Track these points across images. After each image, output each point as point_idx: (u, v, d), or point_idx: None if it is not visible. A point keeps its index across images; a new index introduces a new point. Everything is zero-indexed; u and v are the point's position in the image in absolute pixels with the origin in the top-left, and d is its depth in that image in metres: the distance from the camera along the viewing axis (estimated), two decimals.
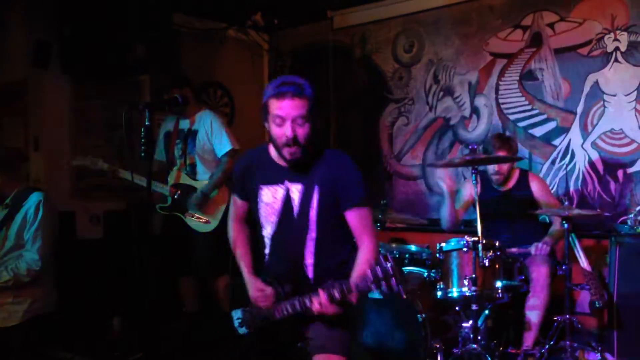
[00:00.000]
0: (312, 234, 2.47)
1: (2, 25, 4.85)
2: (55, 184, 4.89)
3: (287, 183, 2.51)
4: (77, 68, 4.84)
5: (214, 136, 4.35)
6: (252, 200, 2.63)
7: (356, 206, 2.45)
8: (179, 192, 4.36)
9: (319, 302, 2.28)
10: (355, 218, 2.45)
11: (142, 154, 2.55)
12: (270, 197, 2.54)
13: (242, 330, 2.59)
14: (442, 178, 3.80)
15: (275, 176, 2.52)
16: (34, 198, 3.62)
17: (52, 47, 4.76)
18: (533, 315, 3.71)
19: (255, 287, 2.53)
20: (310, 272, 2.49)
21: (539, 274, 3.75)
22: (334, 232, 2.49)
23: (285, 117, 2.37)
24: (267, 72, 6.28)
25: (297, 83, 2.41)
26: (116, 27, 4.79)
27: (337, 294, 2.25)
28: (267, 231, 2.59)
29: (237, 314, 2.62)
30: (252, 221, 2.72)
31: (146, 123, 2.57)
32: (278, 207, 2.52)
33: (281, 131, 2.39)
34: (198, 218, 4.30)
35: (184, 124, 4.46)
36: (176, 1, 5.29)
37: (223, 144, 4.34)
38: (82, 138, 5.10)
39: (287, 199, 2.51)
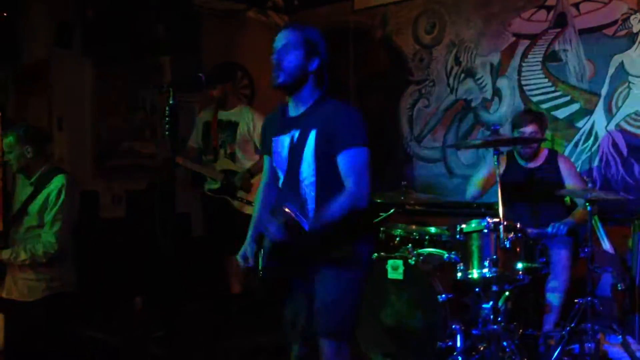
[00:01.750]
0: (312, 179, 2.52)
1: (26, 7, 4.90)
2: (78, 164, 4.98)
3: (292, 131, 2.57)
4: (99, 50, 4.90)
5: (256, 132, 4.51)
6: (271, 154, 2.71)
7: (343, 149, 2.45)
8: (228, 177, 4.53)
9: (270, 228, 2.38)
10: (342, 161, 2.46)
11: (167, 132, 2.57)
12: (280, 146, 2.62)
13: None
14: None
15: (284, 126, 2.61)
16: (58, 181, 3.66)
17: (75, 29, 4.81)
18: (554, 297, 3.70)
19: (241, 252, 2.69)
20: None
21: (560, 256, 3.72)
22: (335, 179, 2.49)
23: (275, 46, 2.54)
24: None
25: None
26: (137, 9, 4.83)
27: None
28: (280, 181, 2.67)
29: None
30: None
31: (170, 102, 2.58)
32: (285, 155, 2.59)
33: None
34: (246, 201, 4.37)
35: (224, 115, 4.62)
36: None
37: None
38: (104, 119, 5.17)
39: (292, 146, 2.56)
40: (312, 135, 2.50)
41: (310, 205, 2.53)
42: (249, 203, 4.34)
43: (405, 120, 5.51)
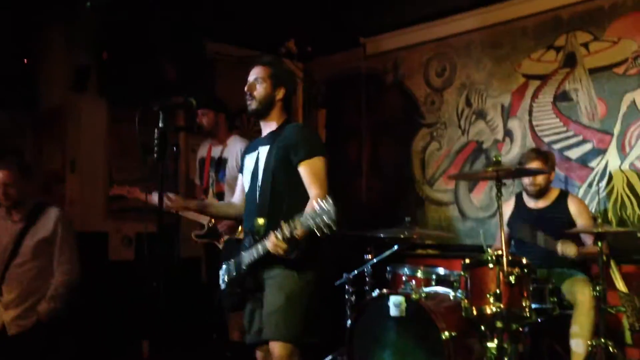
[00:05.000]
0: (269, 186, 2.87)
1: (44, 51, 5.05)
2: (89, 205, 5.00)
3: (259, 148, 3.01)
4: (114, 92, 4.99)
5: None
6: (244, 172, 3.12)
7: (302, 161, 2.83)
8: (213, 220, 4.31)
9: (271, 241, 2.63)
10: (303, 172, 2.84)
11: (155, 155, 2.57)
12: (249, 162, 3.06)
13: (223, 286, 3.02)
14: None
15: (254, 145, 3.08)
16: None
17: (91, 72, 4.92)
18: (577, 344, 3.46)
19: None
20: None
21: (584, 296, 3.51)
22: (292, 187, 2.85)
23: (248, 79, 3.03)
24: (301, 100, 6.33)
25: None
26: (151, 52, 4.95)
27: (285, 231, 2.58)
28: (246, 192, 3.06)
29: (221, 271, 3.03)
30: None
31: (160, 125, 2.59)
32: (251, 168, 3.01)
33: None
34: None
35: (216, 151, 4.45)
36: (210, 29, 5.44)
37: None
38: (118, 160, 5.21)
39: (257, 160, 2.99)
40: (274, 150, 2.89)
41: (266, 208, 2.84)
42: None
43: (417, 163, 5.46)
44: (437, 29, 5.34)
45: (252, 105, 2.99)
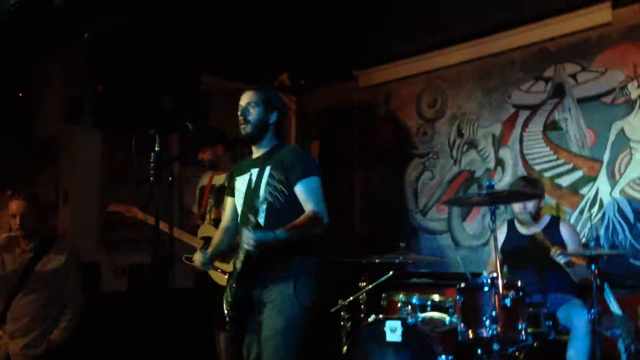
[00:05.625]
0: (264, 205, 2.93)
1: (39, 83, 5.10)
2: (82, 236, 4.98)
3: (251, 170, 3.04)
4: (108, 123, 5.03)
5: None
6: (234, 193, 3.13)
7: (299, 180, 2.90)
8: (206, 245, 4.32)
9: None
10: (300, 190, 2.90)
11: (152, 179, 2.58)
12: (241, 183, 3.09)
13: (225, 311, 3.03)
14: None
15: (245, 167, 3.12)
16: None
17: (85, 103, 4.96)
18: None
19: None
20: None
21: (581, 320, 3.47)
22: (286, 206, 2.90)
23: (240, 104, 3.05)
24: (294, 132, 6.39)
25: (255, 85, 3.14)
26: (146, 85, 5.00)
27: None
28: (238, 212, 3.08)
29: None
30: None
31: (156, 149, 2.62)
32: (244, 190, 3.05)
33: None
34: (221, 270, 4.25)
35: (217, 180, 4.51)
36: (204, 62, 5.51)
37: None
38: (111, 191, 5.20)
39: (250, 181, 3.02)
40: (267, 170, 2.94)
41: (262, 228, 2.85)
42: (225, 273, 4.13)
43: (410, 193, 5.50)
44: (428, 61, 5.44)
45: (247, 129, 3.02)
